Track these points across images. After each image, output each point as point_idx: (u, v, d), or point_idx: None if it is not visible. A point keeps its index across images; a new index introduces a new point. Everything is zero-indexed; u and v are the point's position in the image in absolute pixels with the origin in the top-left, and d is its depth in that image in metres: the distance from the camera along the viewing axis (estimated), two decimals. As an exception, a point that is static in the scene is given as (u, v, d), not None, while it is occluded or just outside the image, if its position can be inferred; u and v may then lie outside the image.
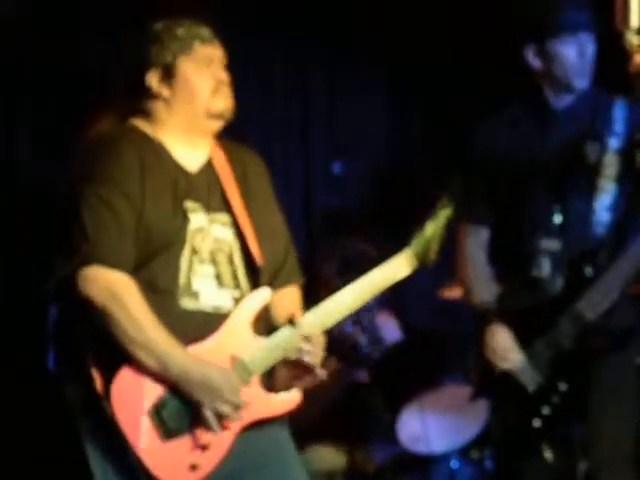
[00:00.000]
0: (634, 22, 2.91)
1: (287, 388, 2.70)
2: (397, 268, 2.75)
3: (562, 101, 3.41)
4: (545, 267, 3.33)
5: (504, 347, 3.33)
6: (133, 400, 2.54)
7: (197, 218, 2.70)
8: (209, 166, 2.79)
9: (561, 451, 3.33)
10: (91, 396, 2.55)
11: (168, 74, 2.74)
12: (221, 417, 2.56)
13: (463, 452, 4.35)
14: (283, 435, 2.76)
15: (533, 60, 3.39)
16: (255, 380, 2.65)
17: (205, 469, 2.57)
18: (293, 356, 2.67)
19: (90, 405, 2.57)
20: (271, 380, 2.72)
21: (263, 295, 2.70)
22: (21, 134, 4.60)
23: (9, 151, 4.52)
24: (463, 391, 4.14)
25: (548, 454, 3.29)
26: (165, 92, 2.75)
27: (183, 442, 2.56)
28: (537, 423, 3.31)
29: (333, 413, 4.36)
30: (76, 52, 4.45)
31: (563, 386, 3.30)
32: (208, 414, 2.55)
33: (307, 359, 2.66)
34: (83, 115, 2.86)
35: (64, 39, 4.40)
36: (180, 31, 2.77)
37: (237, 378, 2.60)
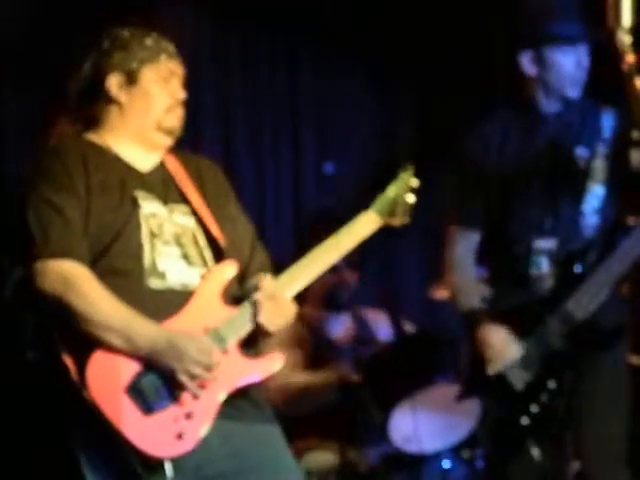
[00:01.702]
0: (626, 21, 2.91)
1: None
2: (361, 227, 2.82)
3: (551, 107, 3.42)
4: (544, 266, 3.34)
5: (503, 341, 3.33)
6: (110, 383, 2.55)
7: (150, 205, 2.74)
8: (162, 167, 2.84)
9: (552, 452, 3.33)
10: (69, 391, 2.55)
11: (129, 81, 2.79)
12: (196, 379, 2.57)
13: (455, 451, 4.35)
14: (274, 434, 2.76)
15: (529, 66, 3.39)
16: (234, 348, 2.66)
17: (192, 436, 2.58)
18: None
19: (71, 403, 2.56)
20: (256, 349, 2.73)
21: (229, 268, 2.73)
22: (11, 134, 4.61)
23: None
24: (455, 390, 4.14)
25: (535, 452, 3.29)
26: (122, 98, 2.79)
27: (166, 414, 2.57)
28: (525, 421, 3.32)
29: (325, 412, 4.36)
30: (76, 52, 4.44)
31: (552, 384, 3.31)
32: (184, 379, 2.56)
33: (261, 319, 2.67)
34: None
35: (63, 39, 4.39)
36: (149, 41, 2.81)
37: (207, 341, 2.60)
